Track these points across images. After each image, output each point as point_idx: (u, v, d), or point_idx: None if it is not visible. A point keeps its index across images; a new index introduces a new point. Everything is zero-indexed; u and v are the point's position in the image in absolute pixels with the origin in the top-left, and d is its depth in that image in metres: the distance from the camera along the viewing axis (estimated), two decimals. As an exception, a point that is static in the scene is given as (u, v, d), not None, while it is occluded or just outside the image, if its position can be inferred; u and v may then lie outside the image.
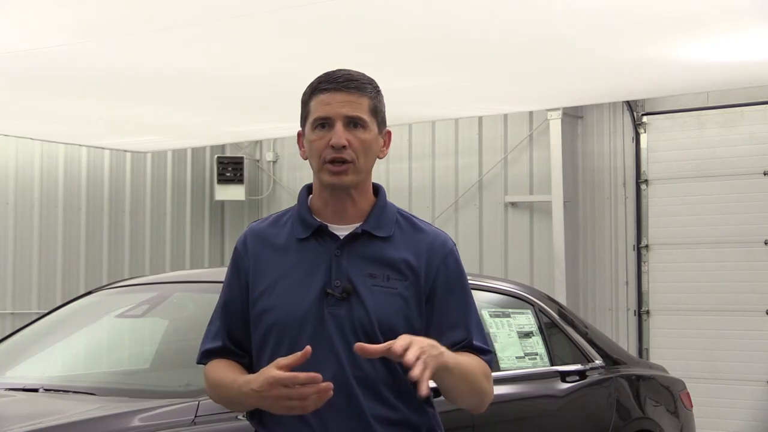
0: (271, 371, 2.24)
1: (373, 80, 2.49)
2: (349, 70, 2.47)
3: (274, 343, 2.42)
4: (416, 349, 2.20)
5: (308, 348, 2.24)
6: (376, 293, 2.39)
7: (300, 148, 2.53)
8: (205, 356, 2.54)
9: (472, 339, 2.47)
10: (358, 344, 2.23)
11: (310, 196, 2.53)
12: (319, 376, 2.22)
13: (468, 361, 2.42)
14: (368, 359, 2.35)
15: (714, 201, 8.79)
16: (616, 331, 9.06)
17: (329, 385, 2.23)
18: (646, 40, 6.08)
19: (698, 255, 8.86)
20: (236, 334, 2.51)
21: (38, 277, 9.48)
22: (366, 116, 2.43)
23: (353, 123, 2.42)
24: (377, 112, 2.47)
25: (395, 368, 2.38)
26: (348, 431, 2.36)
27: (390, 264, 2.43)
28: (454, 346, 2.44)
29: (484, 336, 2.53)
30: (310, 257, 2.44)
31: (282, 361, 2.25)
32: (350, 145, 2.41)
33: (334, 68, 2.50)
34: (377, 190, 2.54)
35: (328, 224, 2.46)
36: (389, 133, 2.54)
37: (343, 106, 2.41)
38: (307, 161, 2.49)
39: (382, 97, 2.50)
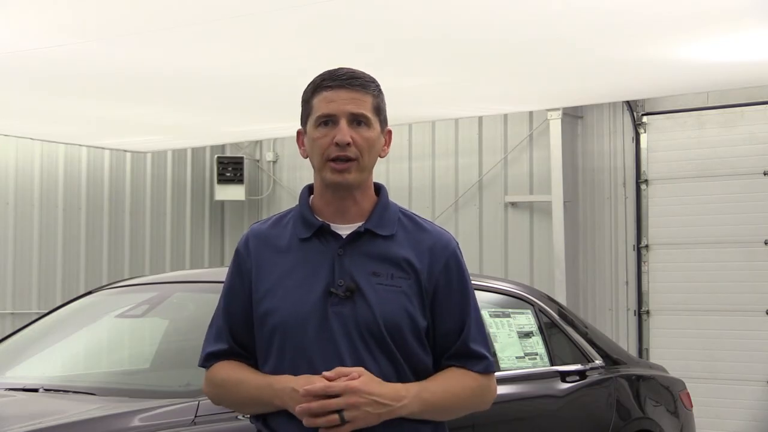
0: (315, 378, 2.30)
1: (375, 79, 2.48)
2: (351, 69, 2.46)
3: (279, 343, 2.41)
4: (341, 401, 2.25)
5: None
6: (381, 291, 2.38)
7: (300, 147, 2.52)
8: (209, 359, 2.52)
9: (468, 343, 2.46)
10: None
11: (312, 196, 2.52)
12: None
13: (449, 391, 2.41)
14: (372, 358, 2.36)
15: (714, 201, 8.79)
16: (616, 331, 9.05)
17: None
18: (646, 40, 6.08)
19: (698, 255, 8.85)
20: (239, 336, 2.49)
21: (38, 277, 9.47)
22: (370, 114, 2.42)
23: (357, 121, 2.41)
24: (380, 111, 2.47)
25: (400, 366, 2.39)
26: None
27: (393, 262, 2.42)
28: (449, 350, 2.45)
29: (485, 339, 2.52)
30: (313, 257, 2.43)
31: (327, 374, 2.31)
32: (354, 143, 2.40)
33: (335, 68, 2.49)
34: (379, 189, 2.53)
35: (330, 223, 2.46)
36: (390, 132, 2.53)
37: (347, 103, 2.40)
38: (308, 160, 2.48)
39: (384, 96, 2.50)
